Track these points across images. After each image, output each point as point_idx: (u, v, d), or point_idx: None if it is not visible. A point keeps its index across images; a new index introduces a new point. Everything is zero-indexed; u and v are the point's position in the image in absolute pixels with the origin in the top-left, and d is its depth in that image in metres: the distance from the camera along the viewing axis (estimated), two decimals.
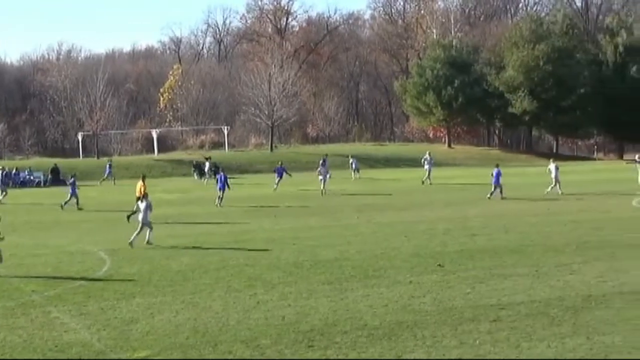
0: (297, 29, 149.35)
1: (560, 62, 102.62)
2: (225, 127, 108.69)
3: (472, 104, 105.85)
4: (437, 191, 55.62)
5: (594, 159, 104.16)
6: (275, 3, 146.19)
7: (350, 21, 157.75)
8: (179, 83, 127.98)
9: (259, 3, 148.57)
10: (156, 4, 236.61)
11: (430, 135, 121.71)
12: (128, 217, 39.09)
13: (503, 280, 23.24)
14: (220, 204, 48.03)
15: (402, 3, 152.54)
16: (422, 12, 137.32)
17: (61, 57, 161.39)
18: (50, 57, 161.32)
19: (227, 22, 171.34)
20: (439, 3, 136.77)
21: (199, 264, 27.14)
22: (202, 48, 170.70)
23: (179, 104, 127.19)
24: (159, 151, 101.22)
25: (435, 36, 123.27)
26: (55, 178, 75.71)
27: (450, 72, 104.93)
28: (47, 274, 25.81)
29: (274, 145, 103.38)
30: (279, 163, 63.29)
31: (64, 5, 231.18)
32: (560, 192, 50.26)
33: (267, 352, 16.59)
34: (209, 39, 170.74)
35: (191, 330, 18.39)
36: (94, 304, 21.28)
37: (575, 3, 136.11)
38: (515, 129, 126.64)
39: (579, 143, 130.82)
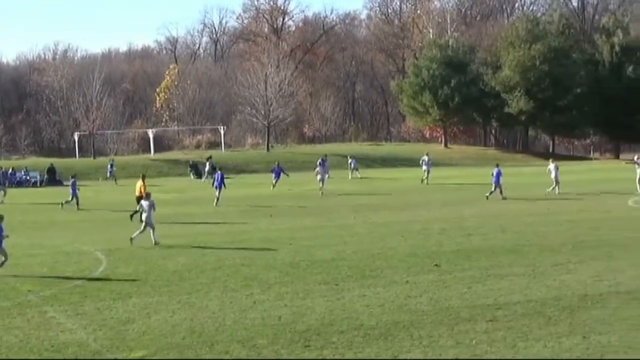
0: (293, 28, 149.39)
1: (557, 62, 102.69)
2: (222, 127, 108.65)
3: (468, 104, 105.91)
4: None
5: (590, 159, 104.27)
6: (271, 3, 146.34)
7: (347, 21, 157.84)
8: (175, 83, 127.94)
9: (255, 3, 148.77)
10: (152, 3, 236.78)
11: (427, 135, 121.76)
12: (131, 215, 39.08)
13: (499, 280, 23.25)
14: (217, 203, 48.08)
15: (398, 3, 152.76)
16: (419, 11, 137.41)
17: (57, 56, 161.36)
18: (47, 57, 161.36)
19: (224, 21, 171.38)
20: (435, 3, 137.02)
21: (195, 263, 27.13)
22: (199, 48, 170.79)
23: (175, 104, 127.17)
24: (155, 151, 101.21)
25: (431, 36, 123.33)
26: (52, 178, 75.68)
27: (447, 72, 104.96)
28: (43, 274, 25.79)
29: (270, 145, 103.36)
30: (276, 163, 63.25)
31: (61, 5, 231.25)
32: (557, 192, 50.29)
33: (263, 352, 16.59)
34: (205, 39, 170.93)
35: (187, 330, 18.38)
36: (90, 304, 21.27)
37: (571, 3, 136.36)
38: (511, 129, 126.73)
39: (575, 143, 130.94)
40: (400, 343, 17.00)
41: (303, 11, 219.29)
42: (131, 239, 31.41)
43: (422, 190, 56.59)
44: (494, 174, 48.86)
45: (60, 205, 48.83)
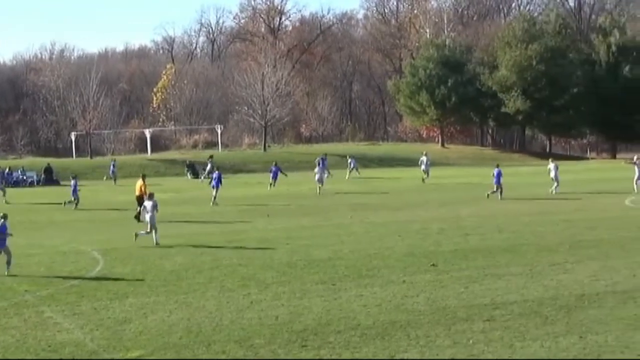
0: (290, 28, 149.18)
1: (553, 61, 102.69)
2: (219, 127, 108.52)
3: (465, 104, 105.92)
4: (431, 191, 55.65)
5: (587, 159, 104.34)
6: (268, 3, 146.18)
7: (344, 21, 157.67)
8: (172, 83, 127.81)
9: (252, 3, 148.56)
10: (149, 3, 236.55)
11: (424, 134, 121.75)
12: (136, 217, 38.99)
13: (496, 279, 23.27)
14: (214, 201, 48.16)
15: (395, 3, 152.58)
16: (415, 11, 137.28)
17: (54, 56, 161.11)
18: (43, 57, 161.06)
19: (220, 21, 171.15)
20: (432, 3, 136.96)
21: (192, 263, 27.14)
22: (196, 48, 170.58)
23: (172, 104, 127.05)
24: (152, 151, 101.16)
25: (428, 36, 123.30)
26: (49, 178, 75.62)
27: (444, 72, 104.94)
28: (40, 274, 25.79)
29: (267, 145, 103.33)
30: (274, 163, 63.19)
31: (57, 4, 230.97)
32: (554, 192, 50.26)
33: (260, 352, 16.59)
34: (202, 39, 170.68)
35: (184, 330, 18.38)
36: (87, 304, 21.26)
37: (568, 3, 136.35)
38: (508, 129, 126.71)
39: (572, 143, 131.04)
40: (397, 343, 17.01)
41: (300, 11, 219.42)
42: (136, 234, 31.71)
43: (419, 190, 56.60)
44: (495, 174, 48.81)
45: (63, 203, 48.79)
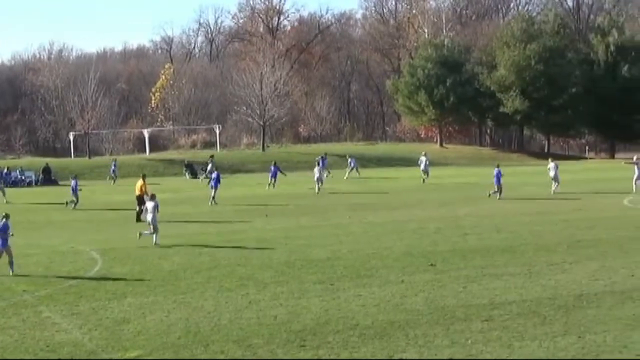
0: (288, 28, 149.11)
1: (552, 61, 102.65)
2: (217, 127, 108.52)
3: (463, 104, 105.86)
4: (429, 190, 55.64)
5: (586, 158, 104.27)
6: (267, 2, 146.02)
7: (342, 21, 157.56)
8: (171, 82, 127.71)
9: (251, 2, 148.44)
10: (148, 3, 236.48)
11: (422, 134, 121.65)
12: (138, 217, 38.97)
13: (495, 279, 23.28)
14: (213, 202, 48.20)
15: (393, 2, 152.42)
16: (414, 11, 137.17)
17: (52, 56, 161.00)
18: (42, 57, 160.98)
19: (219, 21, 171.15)
20: (431, 2, 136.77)
21: (190, 263, 27.15)
22: (194, 47, 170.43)
23: (170, 104, 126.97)
24: (150, 151, 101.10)
25: (426, 35, 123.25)
26: (47, 178, 75.58)
27: (442, 72, 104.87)
28: (38, 274, 25.80)
29: (265, 145, 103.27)
30: (273, 163, 63.13)
31: (56, 4, 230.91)
32: (552, 192, 50.29)
33: (259, 352, 16.60)
34: (200, 39, 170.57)
35: (183, 330, 18.39)
36: (85, 304, 21.27)
37: (566, 2, 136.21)
38: (506, 129, 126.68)
39: (571, 142, 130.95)
40: (396, 343, 17.02)
41: (298, 11, 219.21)
42: (140, 233, 31.96)
43: (418, 190, 56.59)
44: (495, 174, 48.74)
45: (65, 203, 48.77)
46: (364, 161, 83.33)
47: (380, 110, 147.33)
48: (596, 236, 31.56)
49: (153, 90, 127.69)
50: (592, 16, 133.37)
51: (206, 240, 32.77)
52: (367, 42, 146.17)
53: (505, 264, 25.75)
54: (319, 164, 58.73)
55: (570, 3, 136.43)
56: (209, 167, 69.90)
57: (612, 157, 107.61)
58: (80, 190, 50.24)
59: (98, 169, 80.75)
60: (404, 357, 16.13)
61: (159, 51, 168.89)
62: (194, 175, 78.87)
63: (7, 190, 57.72)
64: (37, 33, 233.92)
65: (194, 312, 20.05)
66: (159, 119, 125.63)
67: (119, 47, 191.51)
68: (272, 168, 61.38)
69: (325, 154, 77.19)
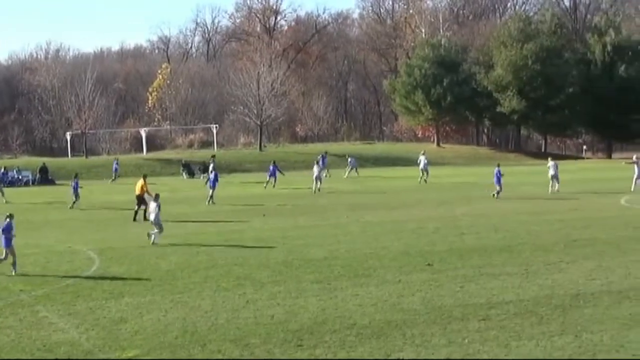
0: (285, 28, 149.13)
1: (549, 61, 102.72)
2: (214, 127, 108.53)
3: (460, 103, 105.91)
4: (427, 190, 55.64)
5: (583, 158, 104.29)
6: (264, 2, 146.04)
7: (339, 20, 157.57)
8: (168, 82, 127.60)
9: (248, 2, 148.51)
10: (145, 3, 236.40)
11: (419, 134, 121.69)
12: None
13: (492, 279, 23.29)
14: (211, 201, 48.22)
15: (390, 2, 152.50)
16: (411, 11, 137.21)
17: (49, 56, 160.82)
18: (39, 56, 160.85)
19: (216, 21, 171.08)
20: (428, 2, 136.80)
21: (188, 263, 27.14)
22: (191, 47, 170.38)
23: (167, 103, 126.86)
24: (147, 150, 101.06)
25: (423, 35, 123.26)
26: (44, 177, 75.54)
27: (439, 72, 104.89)
28: (35, 273, 25.78)
29: (262, 144, 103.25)
30: (272, 162, 63.14)
31: (53, 4, 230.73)
32: (549, 191, 50.31)
33: (256, 352, 16.60)
34: (197, 38, 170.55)
35: (180, 329, 18.39)
36: (82, 304, 21.26)
37: (563, 2, 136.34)
38: (504, 128, 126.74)
39: (568, 142, 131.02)
40: (393, 342, 17.03)
41: (295, 10, 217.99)
42: (149, 234, 31.87)
43: (415, 190, 56.58)
44: (495, 174, 48.68)
45: (69, 208, 48.66)
46: (361, 161, 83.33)
47: (377, 110, 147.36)
48: (593, 236, 31.57)
49: (150, 90, 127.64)
50: (589, 16, 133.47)
51: (204, 240, 32.77)
52: (364, 41, 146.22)
53: (503, 263, 25.76)
54: (318, 163, 58.75)
55: (567, 3, 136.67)
56: (210, 167, 69.98)
57: (609, 157, 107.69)
58: (81, 187, 50.18)
59: (95, 169, 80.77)
60: (401, 357, 16.14)
61: (156, 51, 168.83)
62: (191, 175, 78.90)
63: (4, 190, 57.63)
64: (34, 33, 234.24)
65: (191, 312, 20.05)
66: (156, 119, 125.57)
67: (116, 47, 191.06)
68: (271, 167, 61.44)
69: (326, 152, 77.35)
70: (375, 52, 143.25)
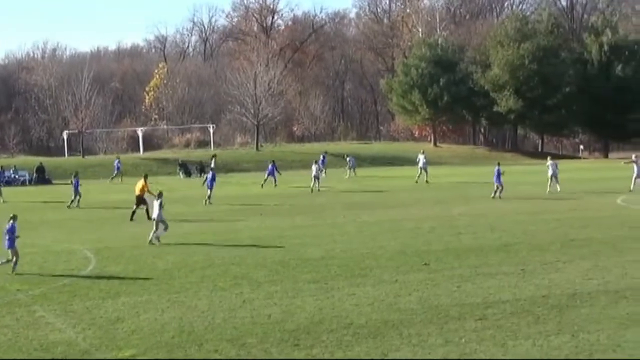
0: (282, 27, 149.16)
1: (546, 60, 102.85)
2: (211, 126, 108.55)
3: (457, 103, 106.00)
4: (423, 190, 55.67)
5: (579, 158, 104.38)
6: (261, 2, 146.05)
7: (336, 20, 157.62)
8: (165, 81, 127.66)
9: (245, 2, 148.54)
10: (142, 2, 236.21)
11: (416, 134, 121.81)
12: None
13: (489, 278, 23.29)
14: (209, 201, 48.26)
15: (387, 2, 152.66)
16: (408, 10, 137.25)
17: (46, 55, 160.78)
18: (35, 56, 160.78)
19: (213, 20, 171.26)
20: (425, 2, 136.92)
21: (184, 262, 27.12)
22: (188, 46, 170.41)
23: (164, 103, 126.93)
24: (144, 150, 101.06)
25: (420, 35, 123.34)
26: (41, 177, 75.52)
27: (436, 71, 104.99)
28: (32, 273, 25.75)
29: (259, 144, 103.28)
30: (271, 162, 63.24)
31: (49, 3, 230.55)
32: (547, 191, 50.31)
33: (253, 351, 16.59)
34: (194, 38, 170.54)
35: (177, 329, 18.38)
36: (79, 303, 21.24)
37: (560, 2, 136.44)
38: (500, 128, 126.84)
39: (564, 142, 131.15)
40: (390, 342, 17.03)
41: (292, 10, 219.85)
42: (158, 238, 31.67)
43: (412, 189, 56.59)
44: (495, 173, 48.63)
45: (75, 203, 48.64)
46: (358, 160, 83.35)
47: (374, 109, 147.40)
48: (590, 235, 31.58)
49: (147, 89, 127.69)
50: (585, 16, 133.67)
51: (200, 240, 32.76)
52: (361, 41, 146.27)
53: (499, 263, 25.77)
54: (317, 162, 58.76)
55: (564, 2, 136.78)
56: (211, 166, 70.03)
57: (606, 156, 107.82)
58: (81, 185, 50.14)
59: (92, 168, 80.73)
60: (397, 356, 16.14)
61: (153, 50, 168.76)
62: (188, 174, 78.97)
63: (1, 189, 57.57)
64: (30, 32, 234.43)
65: (188, 311, 20.04)
66: (153, 118, 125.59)
67: (112, 46, 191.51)
68: (270, 167, 61.57)
69: (326, 152, 77.47)
70: (372, 52, 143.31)
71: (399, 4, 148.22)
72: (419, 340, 17.07)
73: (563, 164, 54.07)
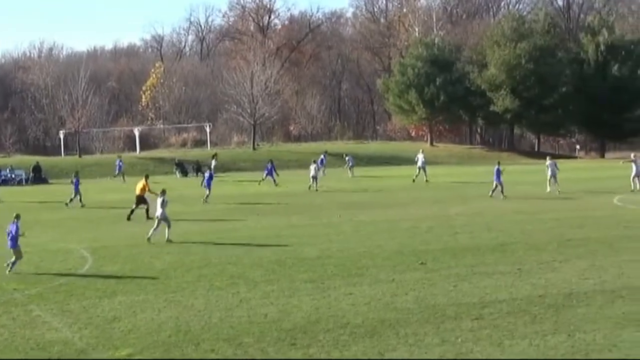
0: (279, 27, 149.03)
1: (542, 60, 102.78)
2: (208, 125, 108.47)
3: (454, 103, 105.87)
4: (420, 189, 55.67)
5: (576, 158, 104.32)
6: (257, 1, 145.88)
7: (333, 19, 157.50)
8: (161, 81, 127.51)
9: (241, 1, 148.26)
10: (139, 2, 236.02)
11: (413, 133, 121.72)
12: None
13: (485, 278, 23.32)
14: (206, 200, 48.33)
15: (384, 1, 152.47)
16: (405, 10, 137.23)
17: (43, 54, 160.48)
18: (32, 55, 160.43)
19: (210, 20, 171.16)
20: (421, 1, 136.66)
21: (181, 262, 27.13)
22: (185, 46, 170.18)
23: (161, 102, 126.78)
24: (141, 149, 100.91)
25: (417, 34, 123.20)
26: (37, 176, 75.42)
27: (432, 71, 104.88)
28: (29, 272, 25.74)
29: (256, 143, 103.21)
30: (270, 161, 63.38)
31: (46, 3, 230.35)
32: (548, 190, 50.30)
33: (249, 351, 16.60)
34: (191, 37, 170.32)
35: (173, 328, 18.38)
36: (75, 303, 21.24)
37: (556, 2, 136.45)
38: (497, 128, 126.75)
39: (561, 141, 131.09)
40: (386, 341, 17.04)
41: (289, 9, 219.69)
42: (168, 240, 31.70)
43: (409, 189, 56.57)
44: (495, 172, 48.59)
45: (81, 205, 48.58)
46: (355, 160, 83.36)
47: (370, 109, 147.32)
48: (586, 235, 31.62)
49: (143, 88, 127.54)
50: (582, 15, 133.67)
51: (197, 239, 32.77)
52: (357, 40, 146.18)
53: (496, 262, 25.79)
54: (316, 162, 58.77)
55: (560, 2, 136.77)
56: (213, 164, 70.17)
57: (602, 156, 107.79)
58: (81, 184, 50.12)
59: (89, 168, 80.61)
60: (394, 356, 16.15)
61: (150, 50, 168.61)
62: (185, 174, 78.95)
63: None
64: (27, 31, 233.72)
65: (184, 311, 20.04)
66: (150, 118, 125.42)
67: (109, 46, 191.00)
68: (269, 166, 61.72)
69: (326, 151, 77.48)
70: (368, 51, 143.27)
71: (395, 3, 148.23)
72: (416, 339, 17.09)
73: (559, 163, 53.98)
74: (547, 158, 54.62)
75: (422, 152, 65.53)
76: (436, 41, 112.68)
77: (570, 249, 28.15)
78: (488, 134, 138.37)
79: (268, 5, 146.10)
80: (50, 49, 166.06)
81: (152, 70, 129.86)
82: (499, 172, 48.24)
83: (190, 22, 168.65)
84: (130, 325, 18.79)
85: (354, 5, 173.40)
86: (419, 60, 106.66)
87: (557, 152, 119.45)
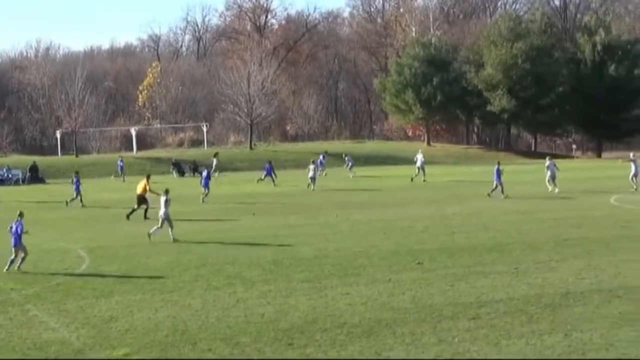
0: (276, 26, 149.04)
1: (539, 60, 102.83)
2: (204, 125, 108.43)
3: (451, 102, 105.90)
4: (417, 189, 55.67)
5: (572, 157, 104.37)
6: (254, 1, 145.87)
7: (330, 19, 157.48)
8: (158, 81, 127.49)
9: (238, 1, 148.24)
10: (135, 1, 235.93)
11: (409, 133, 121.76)
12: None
13: (482, 277, 23.33)
14: (204, 199, 48.39)
15: (381, 1, 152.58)
16: (401, 10, 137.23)
17: (39, 54, 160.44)
18: (29, 55, 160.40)
19: (206, 19, 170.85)
20: (418, 1, 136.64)
21: (178, 261, 27.13)
22: (181, 46, 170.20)
23: (157, 102, 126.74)
24: (137, 149, 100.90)
25: (414, 34, 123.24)
26: (34, 176, 75.39)
27: (429, 70, 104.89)
28: (26, 272, 25.72)
29: (253, 143, 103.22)
30: (268, 162, 63.49)
31: (43, 2, 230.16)
32: (549, 190, 50.32)
33: (246, 350, 16.61)
34: (187, 37, 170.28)
35: (170, 328, 18.38)
36: (72, 302, 21.24)
37: (553, 1, 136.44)
38: (494, 127, 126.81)
39: (557, 141, 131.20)
40: (383, 341, 17.05)
41: (286, 9, 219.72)
42: (174, 240, 31.72)
43: (405, 188, 56.58)
44: (495, 172, 48.59)
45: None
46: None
47: (367, 108, 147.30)
48: (583, 234, 31.64)
49: (140, 88, 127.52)
50: (579, 15, 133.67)
51: (194, 239, 32.77)
52: (354, 40, 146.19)
53: (493, 262, 25.80)
54: (314, 162, 58.81)
55: (557, 2, 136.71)
56: (214, 164, 70.17)
57: (599, 156, 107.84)
58: (81, 184, 50.11)
59: (86, 167, 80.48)
60: (391, 356, 16.17)
61: (146, 49, 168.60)
62: (182, 173, 78.97)
63: None
64: (24, 31, 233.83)
65: (181, 310, 20.05)
66: (146, 117, 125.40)
67: (106, 45, 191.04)
68: (267, 166, 61.84)
69: (326, 151, 77.53)
70: (365, 51, 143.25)
71: (392, 3, 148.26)
72: (413, 339, 17.10)
73: (556, 163, 53.95)
74: (547, 158, 54.49)
75: (422, 152, 65.59)
76: (433, 41, 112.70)
77: (567, 248, 28.17)
78: (485, 133, 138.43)
79: (265, 5, 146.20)
80: (47, 49, 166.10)
81: (149, 70, 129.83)
82: (499, 172, 48.27)
83: (187, 22, 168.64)
84: (127, 325, 18.79)
85: (351, 5, 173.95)
86: (415, 60, 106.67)
87: (554, 152, 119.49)
